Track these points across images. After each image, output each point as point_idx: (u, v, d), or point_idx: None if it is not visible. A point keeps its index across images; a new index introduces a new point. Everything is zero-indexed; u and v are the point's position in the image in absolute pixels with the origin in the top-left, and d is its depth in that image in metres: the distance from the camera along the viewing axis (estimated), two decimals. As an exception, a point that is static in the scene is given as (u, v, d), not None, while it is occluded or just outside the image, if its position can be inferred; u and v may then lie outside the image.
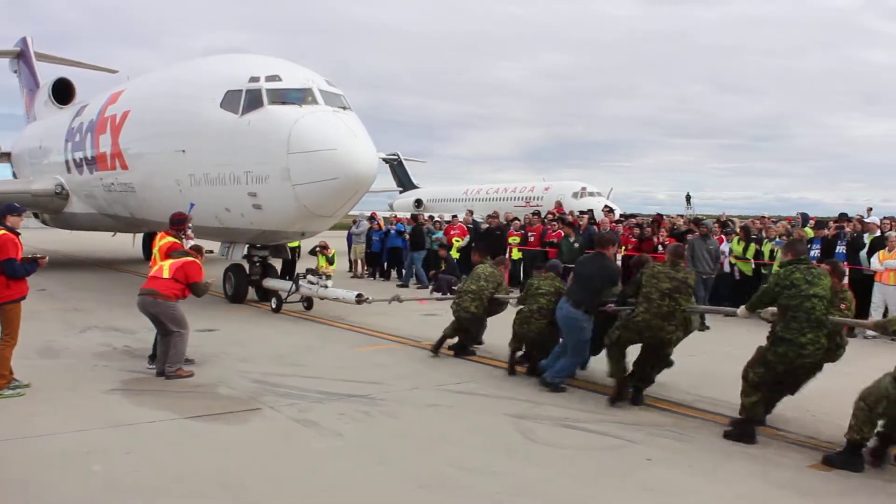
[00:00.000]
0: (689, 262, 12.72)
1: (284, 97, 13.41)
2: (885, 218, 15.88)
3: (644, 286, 7.94)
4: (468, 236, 21.56)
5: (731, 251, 15.99)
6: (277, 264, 16.50)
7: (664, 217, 20.46)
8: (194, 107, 14.56)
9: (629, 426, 7.31)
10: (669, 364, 8.25)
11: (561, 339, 8.94)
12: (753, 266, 15.79)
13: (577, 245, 16.93)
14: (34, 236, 28.72)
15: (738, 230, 17.05)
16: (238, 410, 7.52)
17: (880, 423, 6.25)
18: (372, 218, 22.75)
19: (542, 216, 21.39)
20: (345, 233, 23.85)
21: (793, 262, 7.01)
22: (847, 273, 8.74)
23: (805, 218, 18.58)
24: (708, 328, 12.94)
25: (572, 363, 8.73)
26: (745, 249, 15.82)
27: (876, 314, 12.83)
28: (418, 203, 55.40)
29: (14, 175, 28.12)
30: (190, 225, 11.14)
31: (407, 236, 21.28)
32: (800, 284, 6.76)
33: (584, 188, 40.44)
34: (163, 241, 10.05)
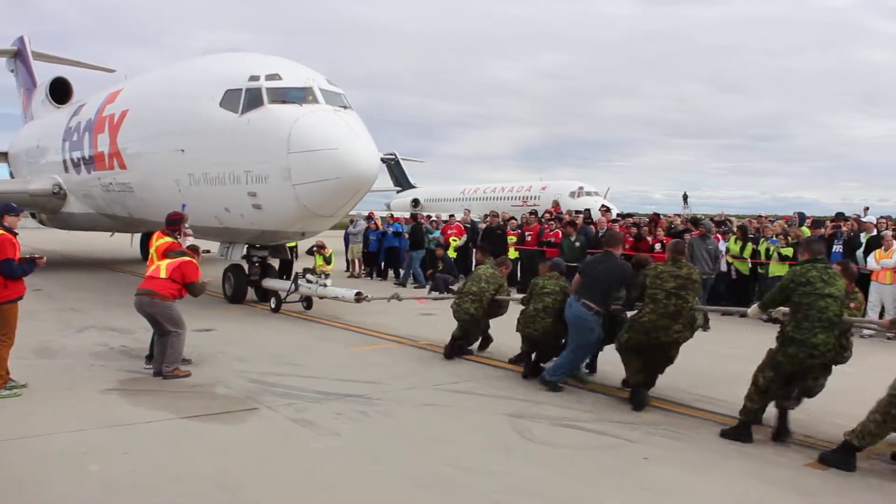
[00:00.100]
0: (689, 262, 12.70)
1: (285, 96, 13.34)
2: (881, 217, 15.93)
3: (649, 287, 7.89)
4: (465, 236, 21.60)
5: (728, 250, 16.01)
6: (275, 264, 16.48)
7: (661, 216, 20.49)
8: (193, 106, 14.49)
9: (627, 425, 7.32)
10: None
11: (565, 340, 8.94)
12: (750, 265, 15.83)
13: (577, 244, 16.96)
14: (31, 236, 28.73)
15: (735, 229, 17.08)
16: (235, 410, 7.52)
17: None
18: (369, 218, 22.76)
19: (540, 216, 21.41)
20: (342, 232, 23.85)
21: (810, 262, 6.93)
22: (857, 274, 8.67)
23: (802, 217, 18.61)
24: (709, 328, 12.94)
25: (572, 361, 8.70)
26: (743, 249, 15.85)
27: (872, 313, 12.86)
28: (415, 203, 55.39)
29: (11, 175, 28.06)
30: (187, 224, 11.11)
31: (406, 235, 21.29)
32: (815, 282, 6.66)
33: (581, 188, 40.44)
34: (160, 241, 10.03)
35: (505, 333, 10.40)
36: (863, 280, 13.58)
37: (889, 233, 13.93)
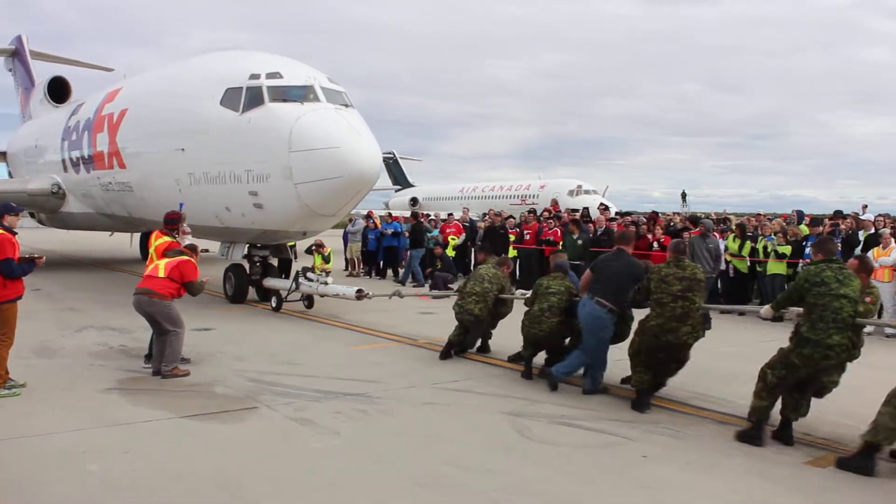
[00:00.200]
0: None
1: (286, 94, 13.28)
2: (879, 215, 15.96)
3: (654, 292, 7.83)
4: (464, 234, 21.62)
5: (726, 249, 16.03)
6: (273, 262, 16.44)
7: (659, 215, 20.51)
8: (194, 105, 14.44)
9: (625, 423, 7.32)
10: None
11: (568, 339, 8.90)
12: (749, 264, 15.85)
13: (580, 242, 16.98)
14: (30, 236, 28.72)
15: (734, 228, 17.10)
16: (234, 409, 7.53)
17: None
18: (368, 216, 22.76)
19: (538, 214, 21.43)
20: (340, 231, 23.84)
21: (824, 262, 6.82)
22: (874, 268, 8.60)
23: (800, 215, 18.64)
24: (710, 328, 12.93)
25: (581, 360, 8.61)
26: (741, 247, 15.87)
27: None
28: (414, 201, 55.44)
29: (10, 174, 28.03)
30: (186, 224, 11.11)
31: (407, 234, 21.29)
32: (830, 283, 6.58)
33: (579, 186, 40.52)
34: (158, 240, 10.04)
35: (505, 333, 10.40)
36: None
37: (887, 231, 13.96)
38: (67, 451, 6.17)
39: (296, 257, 18.13)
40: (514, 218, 21.44)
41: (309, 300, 14.44)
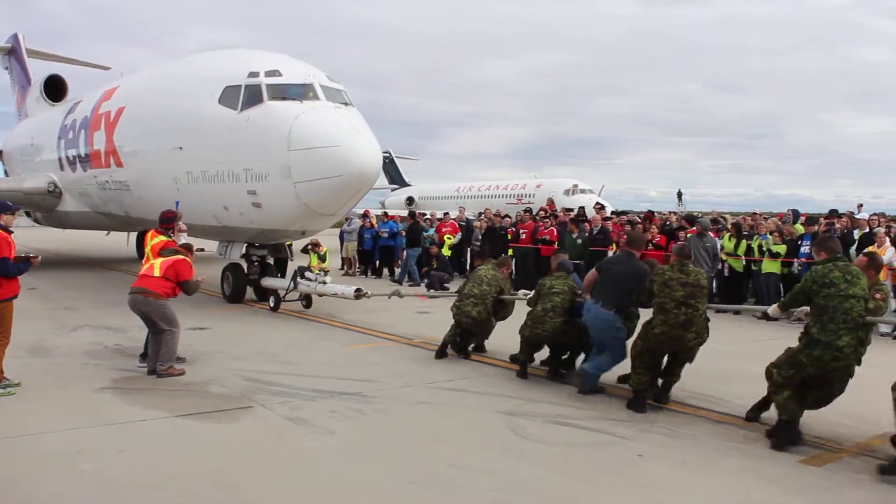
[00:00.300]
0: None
1: (285, 93, 13.20)
2: (874, 214, 15.99)
3: (657, 296, 7.74)
4: (460, 234, 21.62)
5: (722, 248, 16.05)
6: (270, 261, 16.39)
7: (655, 214, 20.53)
8: (192, 103, 14.34)
9: (621, 423, 7.33)
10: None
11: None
12: (744, 263, 15.87)
13: (580, 241, 17.00)
14: (26, 235, 28.61)
15: (729, 227, 17.12)
16: (230, 409, 7.52)
17: None
18: (364, 216, 22.74)
19: (534, 213, 21.44)
20: (336, 230, 23.81)
21: (829, 261, 6.73)
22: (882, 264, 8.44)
23: (796, 214, 18.66)
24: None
25: (612, 361, 8.49)
26: (737, 246, 15.88)
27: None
28: (410, 201, 55.49)
29: (6, 173, 27.95)
30: (182, 223, 11.08)
31: (403, 233, 21.28)
32: (839, 283, 6.50)
33: (575, 185, 40.58)
34: (154, 240, 10.03)
35: (503, 332, 10.36)
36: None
37: (881, 230, 13.99)
38: (62, 450, 6.15)
39: (292, 256, 18.11)
40: (510, 217, 21.46)
41: (307, 300, 14.38)
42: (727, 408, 7.89)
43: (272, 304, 14.29)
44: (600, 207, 23.85)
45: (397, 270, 21.50)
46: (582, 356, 9.13)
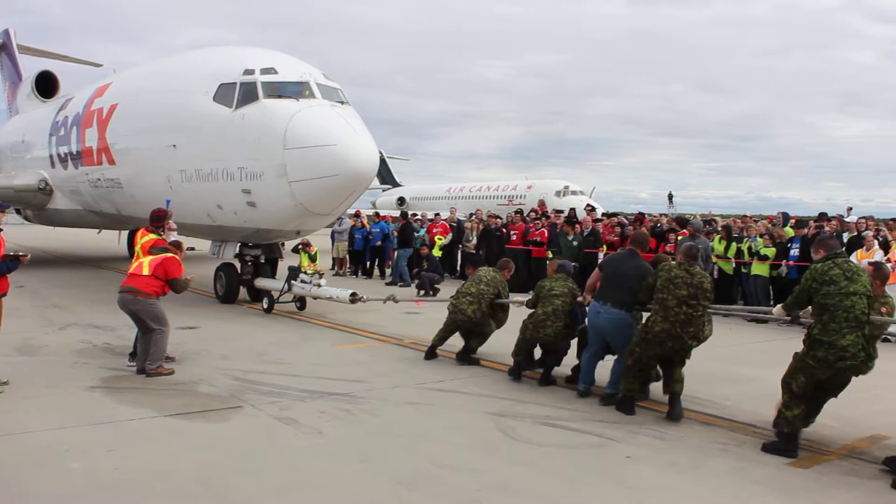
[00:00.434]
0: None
1: (280, 91, 13.11)
2: (861, 217, 16.07)
3: (659, 291, 7.60)
4: (451, 234, 21.64)
5: (712, 250, 16.11)
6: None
7: (646, 216, 20.60)
8: (186, 100, 14.23)
9: (610, 424, 7.35)
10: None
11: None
12: (734, 265, 15.94)
13: (575, 243, 17.05)
14: (16, 233, 28.51)
15: (719, 229, 17.19)
16: (219, 408, 7.51)
17: None
18: (356, 216, 22.74)
19: (525, 214, 21.48)
20: (327, 231, 23.77)
21: (828, 258, 6.58)
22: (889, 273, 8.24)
23: (786, 217, 18.74)
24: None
25: (623, 364, 8.22)
26: (727, 249, 15.95)
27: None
28: (401, 201, 55.42)
29: (-5, 170, 27.87)
30: (172, 221, 11.04)
31: (395, 234, 21.28)
32: (839, 281, 6.35)
33: (566, 187, 40.64)
34: (144, 238, 10.00)
35: (501, 333, 10.26)
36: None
37: (870, 233, 14.07)
38: (50, 448, 6.14)
39: (282, 256, 18.09)
40: (500, 218, 21.49)
41: (301, 302, 14.26)
42: (715, 410, 7.92)
43: (265, 306, 14.15)
44: (591, 209, 23.90)
45: (388, 271, 21.48)
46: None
